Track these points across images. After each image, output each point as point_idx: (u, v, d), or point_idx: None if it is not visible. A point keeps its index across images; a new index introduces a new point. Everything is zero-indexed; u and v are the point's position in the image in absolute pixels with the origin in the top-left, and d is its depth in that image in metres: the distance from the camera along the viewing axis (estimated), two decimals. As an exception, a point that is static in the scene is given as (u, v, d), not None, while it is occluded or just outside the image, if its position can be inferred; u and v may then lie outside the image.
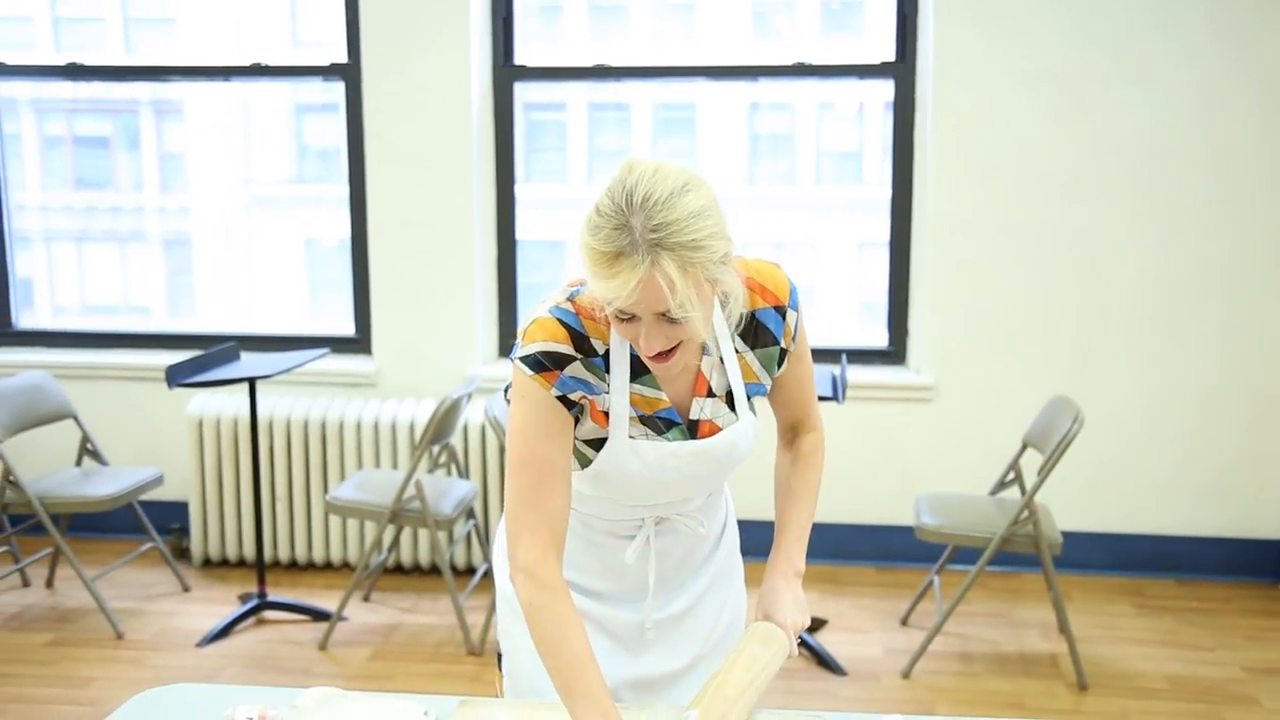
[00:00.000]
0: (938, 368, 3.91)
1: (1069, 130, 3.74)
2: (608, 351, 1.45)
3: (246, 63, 4.14)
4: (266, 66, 4.12)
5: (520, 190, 4.09)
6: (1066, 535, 3.80)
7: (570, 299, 1.45)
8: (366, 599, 3.72)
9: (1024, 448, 3.42)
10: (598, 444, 1.49)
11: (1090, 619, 3.57)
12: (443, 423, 3.28)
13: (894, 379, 3.93)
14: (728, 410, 1.52)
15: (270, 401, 3.93)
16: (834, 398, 3.08)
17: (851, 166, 4.83)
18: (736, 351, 1.51)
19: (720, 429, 1.52)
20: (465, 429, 3.83)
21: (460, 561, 3.91)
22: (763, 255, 1.56)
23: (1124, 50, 3.68)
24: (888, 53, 3.92)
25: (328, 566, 4.00)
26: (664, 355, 1.39)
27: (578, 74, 4.06)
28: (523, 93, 4.10)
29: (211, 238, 4.88)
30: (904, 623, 3.55)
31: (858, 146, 4.73)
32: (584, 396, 1.45)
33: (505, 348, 4.10)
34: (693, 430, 1.51)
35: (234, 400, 3.96)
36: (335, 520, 3.92)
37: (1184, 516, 3.89)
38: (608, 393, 1.46)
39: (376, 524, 3.41)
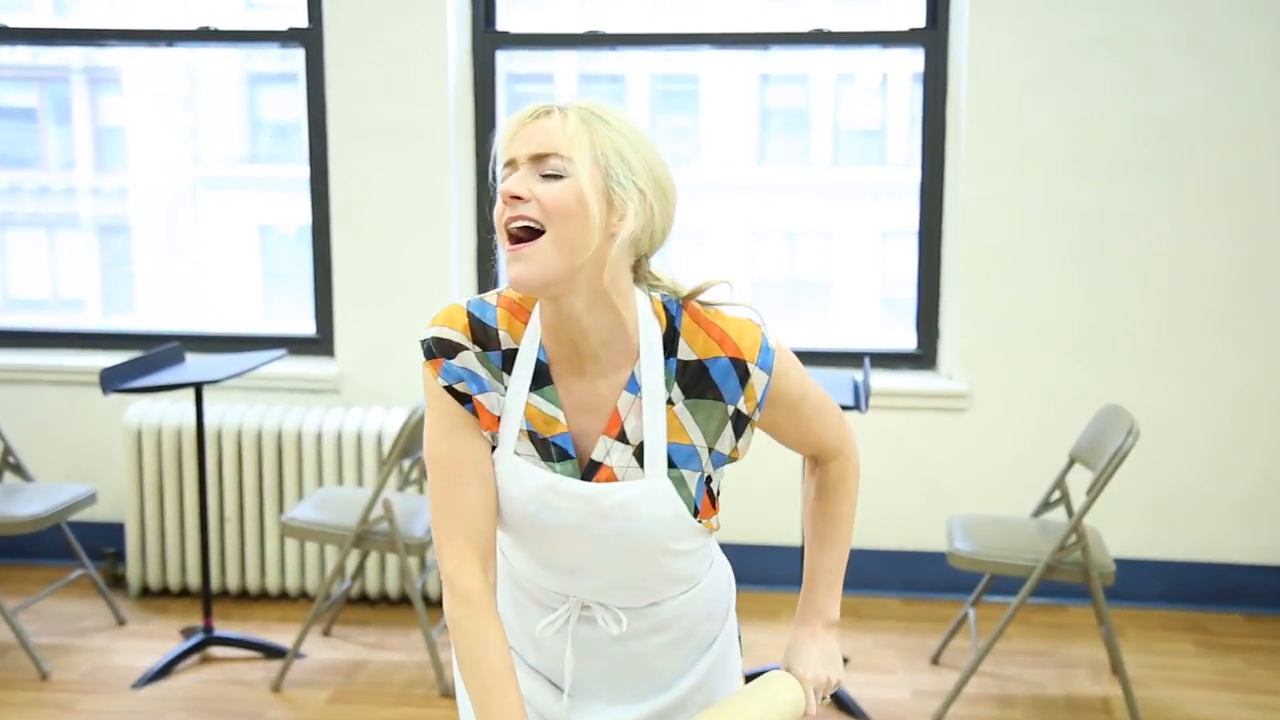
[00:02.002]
0: (972, 373, 3.89)
1: (1124, 105, 3.73)
2: (514, 352, 1.47)
3: (193, 26, 4.12)
4: (216, 31, 4.10)
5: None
6: (1120, 563, 3.78)
7: (502, 290, 1.50)
8: (327, 633, 3.70)
9: (1071, 463, 3.40)
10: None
11: (1146, 658, 3.56)
12: (415, 434, 3.26)
13: (923, 385, 3.91)
14: (635, 465, 1.46)
15: (219, 410, 3.91)
16: (856, 406, 3.06)
17: (874, 146, 4.81)
18: (669, 400, 1.46)
19: (617, 480, 1.47)
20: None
21: (434, 591, 3.88)
22: (746, 314, 1.51)
23: (1188, 13, 3.67)
24: (917, 17, 3.91)
25: (283, 597, 3.98)
26: (517, 240, 1.37)
27: (567, 41, 4.04)
28: (506, 62, 4.08)
29: (153, 223, 4.85)
30: (934, 662, 3.54)
31: (881, 124, 4.71)
32: (472, 393, 1.46)
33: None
34: (589, 473, 1.47)
35: (178, 408, 3.93)
36: (292, 544, 3.90)
37: (1254, 543, 3.88)
38: (504, 395, 1.47)
39: (339, 548, 3.38)
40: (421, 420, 3.25)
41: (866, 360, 3.35)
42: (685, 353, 1.47)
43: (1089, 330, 3.84)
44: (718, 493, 1.53)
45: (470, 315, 1.48)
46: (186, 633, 3.64)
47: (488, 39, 3.98)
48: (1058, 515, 3.57)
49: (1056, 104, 3.75)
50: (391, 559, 3.87)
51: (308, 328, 4.20)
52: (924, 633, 3.73)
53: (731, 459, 1.52)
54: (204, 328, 4.28)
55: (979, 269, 3.84)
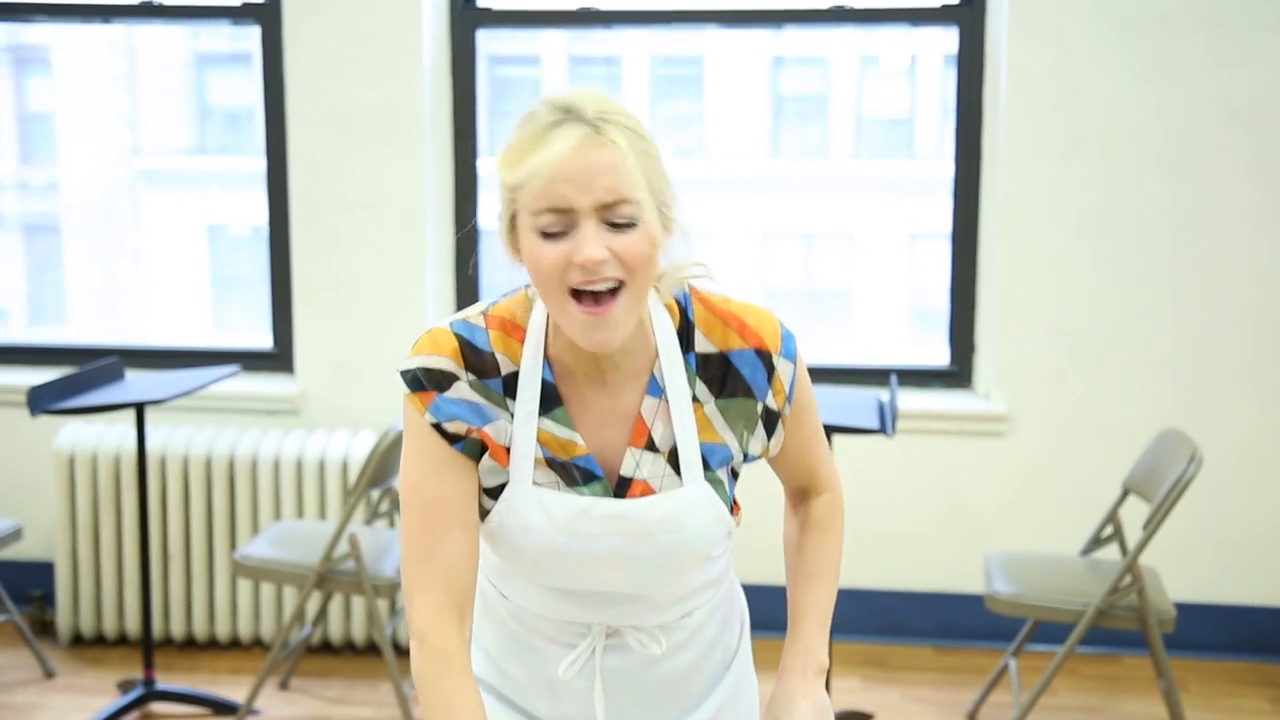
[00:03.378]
0: (1013, 392, 3.89)
1: (1182, 92, 3.74)
2: (515, 375, 1.48)
3: (133, 0, 4.11)
4: (159, 5, 4.10)
5: (484, 164, 4.06)
6: (1181, 608, 3.77)
7: (486, 309, 1.51)
8: (284, 686, 3.69)
9: (1125, 495, 3.40)
10: (497, 491, 1.51)
11: (1212, 716, 3.55)
12: (384, 461, 3.25)
13: (957, 406, 3.91)
14: (671, 473, 1.50)
15: (163, 433, 3.90)
16: (881, 429, 3.06)
17: (902, 137, 4.82)
18: (694, 399, 1.50)
19: (655, 493, 1.50)
20: (412, 469, 3.79)
21: (405, 638, 3.86)
22: (754, 300, 1.57)
23: (1251, -9, 3.68)
24: (950, -7, 3.93)
25: (234, 645, 3.97)
26: (597, 300, 1.39)
27: (556, 19, 4.05)
28: (487, 42, 4.08)
29: (86, 223, 4.84)
30: (971, 718, 3.53)
31: (910, 112, 4.73)
32: (470, 429, 1.47)
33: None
34: (620, 489, 1.50)
35: (116, 431, 3.92)
36: (245, 585, 3.89)
37: (1326, 583, 3.88)
38: (510, 423, 1.48)
39: (298, 590, 3.37)
40: (393, 445, 3.24)
41: (893, 378, 3.35)
42: (704, 345, 1.51)
43: (1146, 345, 3.84)
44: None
45: (460, 339, 1.48)
46: (124, 686, 3.62)
47: (467, 16, 3.99)
48: (1110, 553, 3.56)
49: (1109, 89, 3.76)
50: (358, 602, 3.85)
51: (264, 341, 4.19)
52: (959, 686, 3.72)
53: (761, 457, 1.57)
54: (145, 341, 4.26)
55: (1021, 275, 3.85)
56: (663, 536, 1.49)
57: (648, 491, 1.50)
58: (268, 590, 3.89)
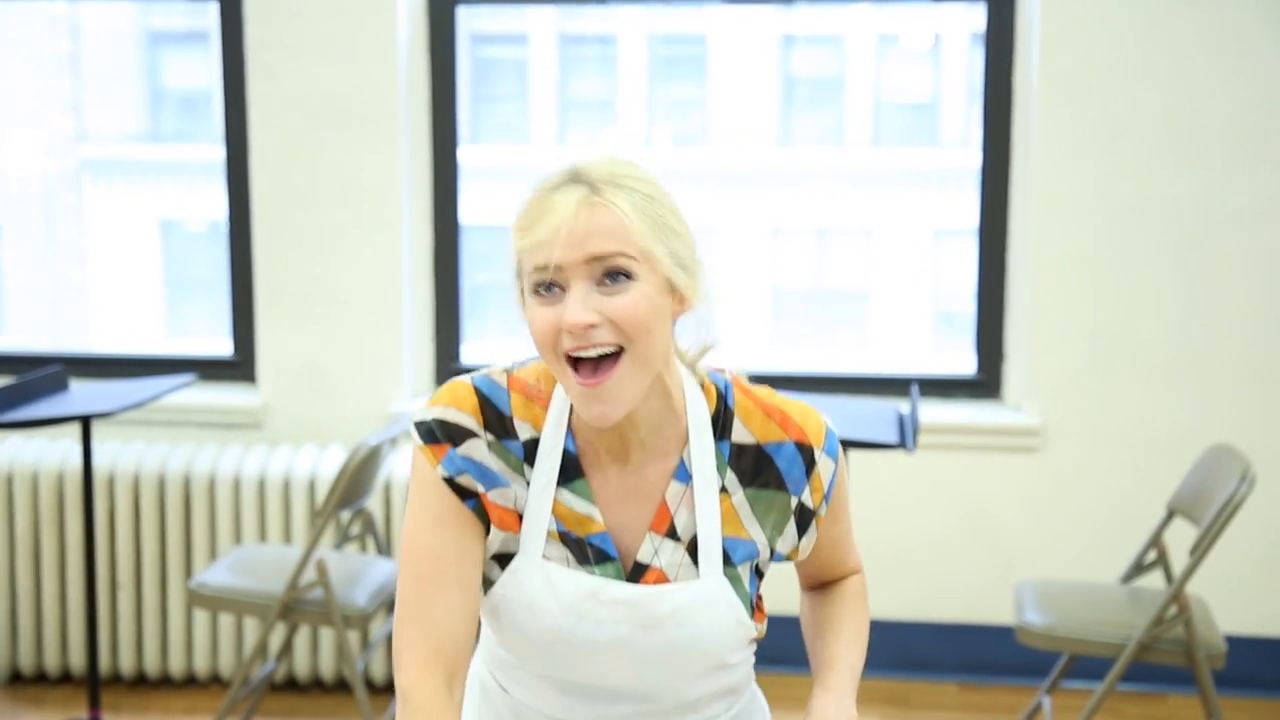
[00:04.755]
0: (1046, 403, 3.91)
1: (1237, 72, 3.75)
2: (535, 442, 1.52)
3: (81, -26, 4.14)
4: (109, -21, 4.11)
5: (466, 154, 4.08)
6: (1232, 641, 3.77)
7: (510, 370, 1.57)
8: (245, 728, 3.69)
9: (1170, 517, 3.41)
10: (506, 561, 1.55)
11: (1263, 757, 3.55)
12: (355, 479, 3.26)
13: (985, 419, 3.93)
14: (689, 563, 1.54)
15: (111, 449, 3.91)
16: (901, 444, 3.07)
17: (924, 123, 4.84)
18: (723, 489, 1.54)
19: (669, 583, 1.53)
20: (388, 488, 3.81)
21: (378, 673, 3.88)
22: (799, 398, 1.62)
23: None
24: (977, -34, 3.95)
25: (190, 682, 3.97)
26: (595, 369, 1.44)
27: (546, -7, 4.06)
28: (469, 20, 4.09)
29: (27, 218, 4.85)
30: (1002, 762, 3.54)
31: (933, 96, 4.75)
32: (480, 489, 1.52)
33: (444, 372, 4.09)
34: (635, 575, 1.54)
35: (59, 448, 3.93)
36: (202, 617, 3.89)
37: (1391, 613, 3.89)
38: (526, 490, 1.53)
39: (261, 621, 3.37)
40: (364, 461, 3.25)
41: (915, 388, 3.36)
42: (742, 435, 1.55)
43: (1192, 352, 3.85)
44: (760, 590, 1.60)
45: (480, 396, 1.53)
46: (69, 728, 3.61)
47: (447, -9, 4.01)
48: (1154, 581, 3.57)
49: (1151, 71, 3.77)
50: (326, 634, 3.86)
51: (223, 347, 4.19)
52: (988, 727, 3.72)
53: (789, 559, 1.60)
54: (92, 348, 4.27)
55: (1055, 275, 3.86)
56: (673, 630, 1.52)
57: (662, 580, 1.53)
58: (227, 622, 3.89)
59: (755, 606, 1.58)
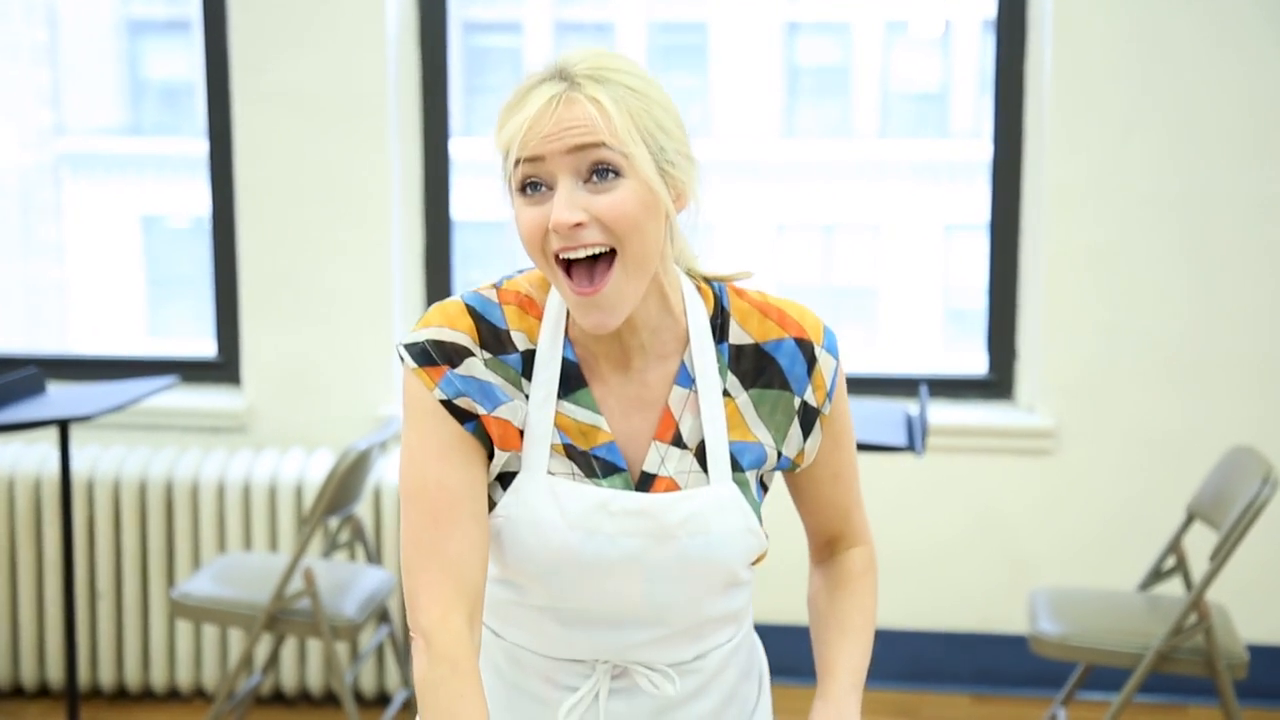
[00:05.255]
0: (1060, 405, 3.90)
1: (1264, 62, 3.75)
2: (532, 353, 1.53)
3: (58, -39, 4.14)
4: (88, -34, 4.11)
5: (458, 148, 4.08)
6: (1254, 650, 3.78)
7: (499, 283, 1.57)
8: (230, 743, 3.68)
9: (1189, 521, 3.41)
10: (508, 480, 1.55)
11: (1286, 771, 3.55)
12: (344, 484, 3.26)
13: (997, 420, 3.93)
14: (698, 471, 1.55)
15: (90, 454, 3.91)
16: (909, 447, 3.07)
17: (934, 114, 4.84)
18: (725, 392, 1.55)
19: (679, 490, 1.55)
20: (377, 494, 3.81)
21: (368, 686, 3.88)
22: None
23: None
24: (988, -49, 3.95)
25: (173, 696, 3.97)
26: (591, 279, 1.44)
27: (540, -21, 4.06)
28: (462, 8, 4.09)
29: (2, 215, 4.85)
30: (1016, 776, 3.54)
31: (943, 86, 4.75)
32: (480, 411, 1.51)
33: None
34: (643, 485, 1.55)
35: (36, 452, 3.93)
36: (185, 628, 3.89)
37: None
38: (526, 404, 1.53)
39: (246, 632, 3.37)
40: (353, 466, 3.25)
41: (924, 388, 3.36)
42: (739, 336, 1.57)
43: (1211, 351, 3.85)
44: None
45: (474, 313, 1.53)
46: (47, 743, 3.62)
47: (438, -23, 4.01)
48: (1172, 588, 3.57)
49: (1169, 59, 3.77)
50: (314, 645, 3.86)
51: (206, 348, 4.19)
52: (1001, 740, 3.72)
53: (795, 465, 1.60)
54: (70, 349, 4.27)
55: (1070, 271, 3.86)
56: (686, 540, 1.53)
57: (672, 488, 1.54)
58: (210, 633, 3.89)
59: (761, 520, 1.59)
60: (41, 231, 4.90)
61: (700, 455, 1.55)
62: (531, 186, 1.44)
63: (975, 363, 4.11)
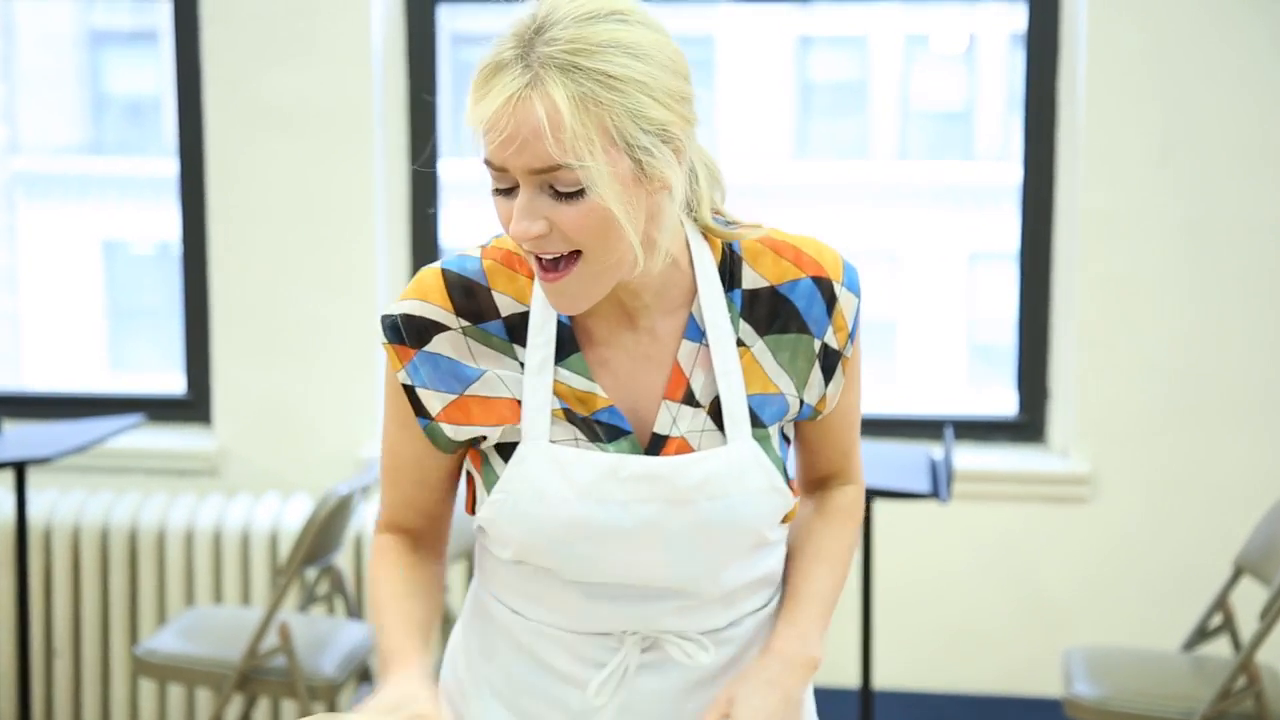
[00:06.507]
0: (1096, 449, 3.91)
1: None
2: (521, 316, 1.54)
3: (18, -33, 4.16)
4: (49, -27, 4.13)
5: (447, 168, 4.09)
6: (1303, 713, 3.79)
7: (487, 242, 1.59)
8: (197, 814, 3.68)
9: (1236, 575, 3.41)
10: (509, 451, 1.57)
11: (1343, 846, 3.54)
12: (323, 532, 3.27)
13: (1028, 466, 3.93)
14: (713, 429, 1.56)
15: (48, 499, 3.92)
16: (934, 494, 3.08)
17: (958, 134, 4.87)
18: (739, 342, 1.56)
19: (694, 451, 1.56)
20: (359, 542, 3.81)
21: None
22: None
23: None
24: (1017, -40, 3.97)
25: (134, 761, 3.96)
26: (549, 266, 1.45)
27: (536, -11, 4.07)
28: (450, 19, 4.11)
29: (-47, 239, 4.87)
30: None
31: (968, 104, 4.77)
32: (439, 404, 1.55)
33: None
34: (653, 448, 1.55)
35: (-11, 496, 3.92)
36: (149, 688, 3.89)
37: None
38: (520, 371, 1.54)
39: (216, 692, 3.37)
40: (333, 512, 3.26)
41: (949, 431, 3.37)
42: (752, 280, 1.57)
43: (1261, 390, 3.86)
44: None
45: (448, 280, 1.54)
46: (-1, 813, 3.62)
47: (426, -13, 4.03)
48: (1219, 648, 3.57)
49: (1215, 74, 3.79)
50: (289, 706, 3.85)
51: (174, 385, 4.20)
52: (1033, 812, 3.73)
53: (817, 413, 1.61)
54: (27, 385, 4.27)
55: (1105, 304, 3.87)
56: (705, 504, 1.53)
57: (685, 450, 1.54)
58: (177, 693, 3.88)
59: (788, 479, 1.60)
60: (-6, 257, 4.91)
61: (715, 413, 1.55)
62: (498, 184, 1.45)
63: (1004, 403, 4.11)
